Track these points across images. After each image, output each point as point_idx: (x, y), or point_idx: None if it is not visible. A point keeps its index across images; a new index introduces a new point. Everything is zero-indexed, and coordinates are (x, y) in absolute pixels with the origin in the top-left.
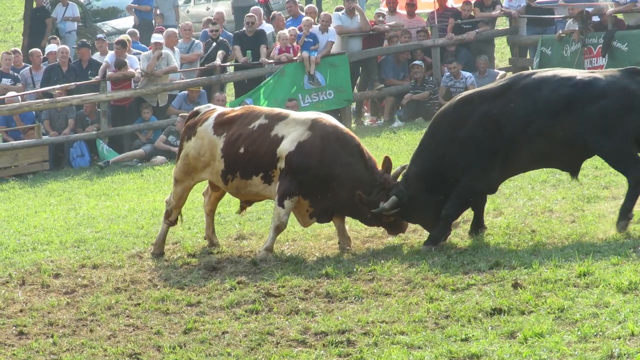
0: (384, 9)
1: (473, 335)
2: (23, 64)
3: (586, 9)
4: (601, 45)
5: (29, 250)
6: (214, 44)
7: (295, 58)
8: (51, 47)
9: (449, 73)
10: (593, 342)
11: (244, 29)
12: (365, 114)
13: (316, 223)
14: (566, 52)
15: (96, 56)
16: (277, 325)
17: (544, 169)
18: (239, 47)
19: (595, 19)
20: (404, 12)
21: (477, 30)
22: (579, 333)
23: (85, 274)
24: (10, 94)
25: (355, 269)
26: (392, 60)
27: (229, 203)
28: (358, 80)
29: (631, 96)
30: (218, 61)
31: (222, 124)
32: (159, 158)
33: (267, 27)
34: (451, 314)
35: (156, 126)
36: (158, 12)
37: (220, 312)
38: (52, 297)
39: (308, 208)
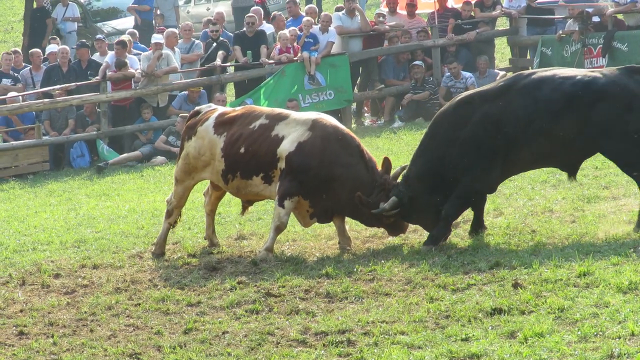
0: (384, 9)
1: (473, 335)
2: (23, 64)
3: (586, 9)
4: (601, 46)
5: (29, 251)
6: (214, 44)
7: (295, 58)
8: (51, 48)
9: (449, 73)
10: (593, 342)
11: (244, 29)
12: (366, 114)
13: (316, 223)
14: (566, 52)
15: (95, 56)
16: (278, 325)
17: (544, 169)
18: (239, 48)
19: (596, 19)
20: (404, 12)
21: (477, 30)
22: (579, 333)
23: (85, 274)
24: (11, 94)
25: (355, 269)
26: (392, 61)
27: (230, 203)
28: (358, 80)
29: (631, 95)
30: (218, 61)
31: (223, 124)
32: (159, 158)
33: (267, 28)
34: (451, 313)
35: (156, 126)
36: (158, 12)
37: (221, 312)
38: (53, 297)
39: (308, 208)
